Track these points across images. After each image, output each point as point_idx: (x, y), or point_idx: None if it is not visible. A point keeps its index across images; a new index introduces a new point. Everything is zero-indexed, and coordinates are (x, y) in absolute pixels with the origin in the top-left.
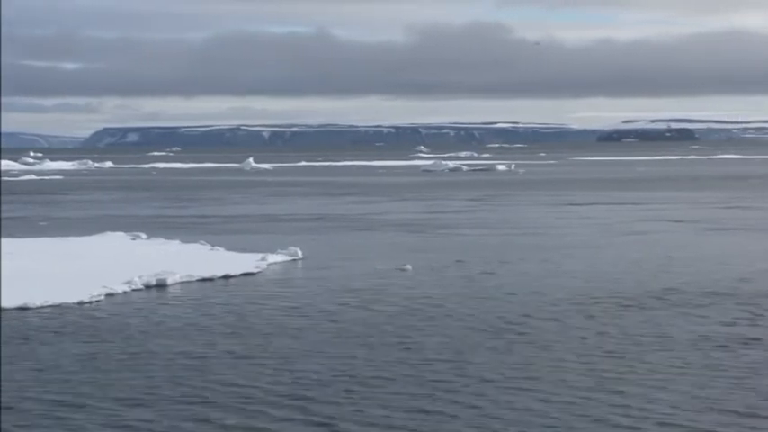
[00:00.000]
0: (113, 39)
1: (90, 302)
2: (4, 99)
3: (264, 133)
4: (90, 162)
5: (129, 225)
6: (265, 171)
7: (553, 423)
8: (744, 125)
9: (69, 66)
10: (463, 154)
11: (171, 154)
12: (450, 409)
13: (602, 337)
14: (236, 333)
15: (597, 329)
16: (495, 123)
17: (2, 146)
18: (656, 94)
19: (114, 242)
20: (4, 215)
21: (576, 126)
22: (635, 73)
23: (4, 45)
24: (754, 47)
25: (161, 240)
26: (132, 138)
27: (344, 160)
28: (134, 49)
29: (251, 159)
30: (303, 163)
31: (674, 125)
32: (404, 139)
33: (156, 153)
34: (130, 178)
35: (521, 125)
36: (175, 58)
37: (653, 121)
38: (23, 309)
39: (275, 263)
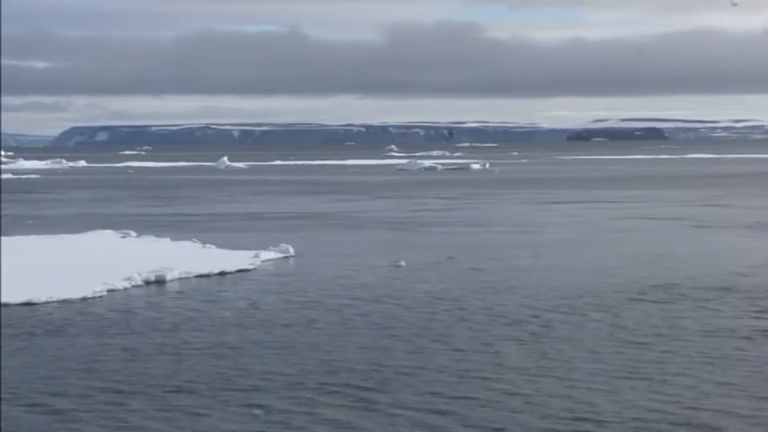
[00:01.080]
0: (83, 37)
1: (93, 298)
2: None
3: (234, 132)
4: (64, 161)
5: (115, 223)
6: (240, 170)
7: (559, 410)
8: (712, 124)
9: (39, 64)
10: (435, 153)
11: (143, 153)
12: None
13: (604, 328)
14: (244, 326)
15: (597, 321)
16: (465, 123)
17: None
18: (626, 94)
19: (105, 240)
20: None
21: (546, 125)
22: (605, 72)
23: None
24: (723, 46)
25: (151, 238)
26: (101, 136)
27: (318, 159)
28: (104, 47)
29: (225, 158)
30: (277, 162)
31: (644, 124)
32: (374, 138)
33: (127, 152)
34: (107, 177)
35: (491, 124)
36: (145, 56)
37: (623, 120)
38: (29, 304)
39: (269, 260)
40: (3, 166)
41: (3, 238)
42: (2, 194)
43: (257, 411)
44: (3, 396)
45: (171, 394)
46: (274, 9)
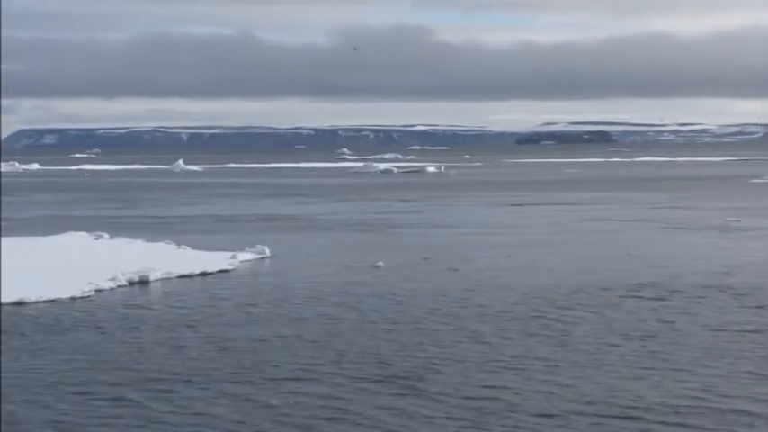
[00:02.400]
0: (30, 39)
1: (82, 298)
2: None
3: (183, 135)
4: (16, 164)
5: (83, 225)
6: (196, 173)
7: (544, 403)
8: (660, 128)
9: None
10: (388, 156)
11: (93, 156)
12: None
13: (595, 323)
14: (238, 323)
15: (587, 317)
16: (415, 126)
17: None
18: (574, 97)
19: (81, 241)
20: None
21: (495, 128)
22: (554, 76)
23: None
24: (671, 50)
25: (125, 240)
26: (50, 139)
27: (271, 162)
28: (51, 49)
29: (180, 161)
30: (231, 165)
31: (592, 128)
32: (323, 141)
33: (78, 155)
34: (64, 180)
35: (440, 127)
36: (94, 59)
37: (571, 124)
38: (20, 304)
39: (246, 260)
40: None
41: None
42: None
43: (267, 401)
44: (14, 392)
45: (190, 385)
46: (227, 12)
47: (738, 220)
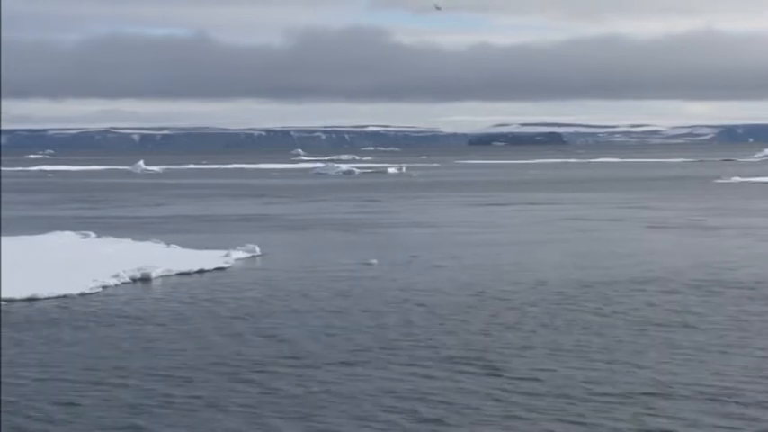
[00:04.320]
0: None
1: (91, 293)
2: None
3: (134, 136)
4: None
5: (66, 225)
6: (157, 174)
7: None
8: (611, 129)
9: None
10: (345, 157)
11: (48, 156)
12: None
13: (575, 314)
14: (238, 317)
15: (593, 307)
16: (366, 127)
17: None
18: (526, 99)
19: (70, 240)
20: None
21: (446, 130)
22: (508, 78)
23: None
24: (624, 52)
25: (112, 239)
26: None
27: (229, 163)
28: (2, 50)
29: (141, 162)
30: (191, 166)
31: (544, 129)
32: (276, 142)
33: (32, 156)
34: (28, 180)
35: (391, 128)
36: (46, 59)
37: (523, 125)
38: (32, 299)
39: (240, 258)
40: None
41: None
42: None
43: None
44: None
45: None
46: (182, 13)
47: (704, 219)
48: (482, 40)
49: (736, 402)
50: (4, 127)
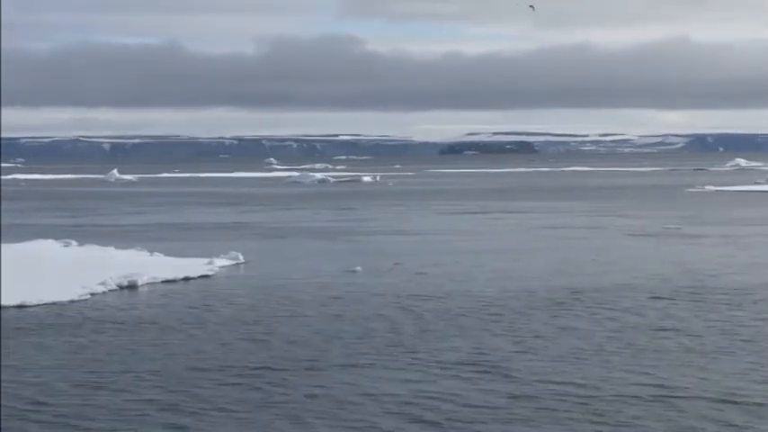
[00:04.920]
0: None
1: (80, 300)
2: None
3: (105, 145)
4: None
5: (47, 233)
6: (131, 182)
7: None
8: (581, 138)
9: None
10: (318, 166)
11: (19, 165)
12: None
13: (560, 320)
14: (229, 324)
15: (552, 317)
16: (338, 136)
17: None
18: (497, 108)
19: (53, 248)
20: None
21: (418, 138)
22: (479, 87)
23: None
24: (595, 61)
25: (96, 247)
26: None
27: (202, 172)
28: None
29: (115, 171)
30: (164, 174)
31: (514, 138)
32: (247, 150)
33: (4, 164)
34: (3, 189)
35: (363, 137)
36: (18, 68)
37: (494, 134)
38: (22, 307)
39: (224, 266)
40: None
41: None
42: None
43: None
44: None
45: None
46: (154, 21)
47: (681, 228)
48: (453, 48)
49: (733, 404)
50: None
